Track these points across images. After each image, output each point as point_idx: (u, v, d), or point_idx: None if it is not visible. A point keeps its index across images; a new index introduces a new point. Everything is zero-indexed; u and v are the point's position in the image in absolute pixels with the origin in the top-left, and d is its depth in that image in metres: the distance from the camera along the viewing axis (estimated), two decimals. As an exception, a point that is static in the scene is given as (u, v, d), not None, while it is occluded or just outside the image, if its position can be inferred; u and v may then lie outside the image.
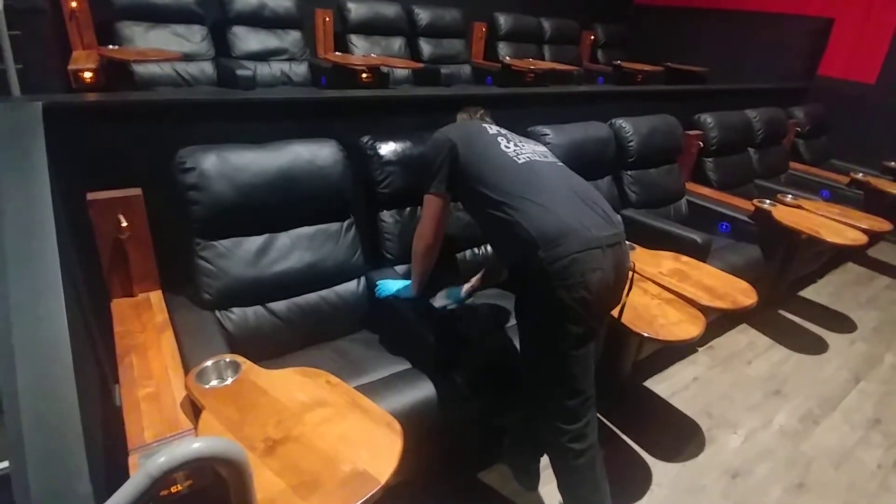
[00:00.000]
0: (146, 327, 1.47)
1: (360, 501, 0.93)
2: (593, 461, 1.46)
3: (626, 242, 1.43)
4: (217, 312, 1.62)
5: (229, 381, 1.21)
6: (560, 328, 1.34)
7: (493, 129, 1.60)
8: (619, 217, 1.45)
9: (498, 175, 1.44)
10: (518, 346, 1.75)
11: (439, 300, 1.85)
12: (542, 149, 1.62)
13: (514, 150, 1.50)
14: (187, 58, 3.45)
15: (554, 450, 1.49)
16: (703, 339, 2.24)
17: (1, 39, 2.56)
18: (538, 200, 1.36)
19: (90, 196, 1.46)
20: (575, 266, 1.28)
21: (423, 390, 1.56)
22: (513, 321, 1.85)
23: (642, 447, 2.05)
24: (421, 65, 4.08)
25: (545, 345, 1.40)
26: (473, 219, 1.60)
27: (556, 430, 1.44)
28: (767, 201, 2.83)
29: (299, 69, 3.96)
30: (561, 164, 1.57)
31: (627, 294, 1.50)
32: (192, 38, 3.57)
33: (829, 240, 2.51)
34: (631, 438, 2.09)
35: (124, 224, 1.49)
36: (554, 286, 1.29)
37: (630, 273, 1.48)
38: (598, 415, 2.11)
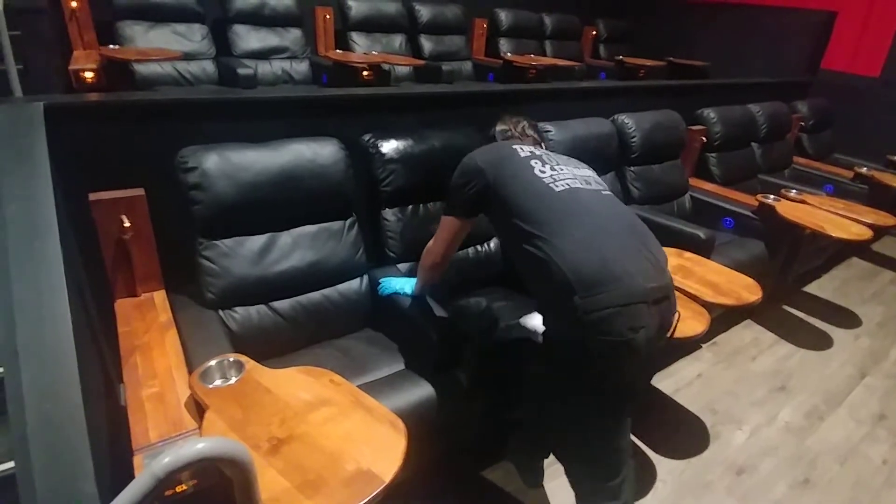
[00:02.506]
0: (150, 327, 1.48)
1: (365, 500, 0.93)
2: None
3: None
4: (220, 312, 1.62)
5: (233, 380, 1.21)
6: (595, 382, 1.23)
7: (525, 150, 1.43)
8: (666, 260, 1.28)
9: (530, 203, 1.28)
10: (516, 343, 1.75)
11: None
12: (587, 172, 1.45)
13: (551, 176, 1.33)
14: (188, 57, 3.45)
15: None
16: (708, 336, 2.24)
17: (1, 40, 2.56)
18: (577, 236, 1.20)
19: (93, 196, 1.45)
20: (616, 320, 1.13)
21: (427, 389, 1.56)
22: (515, 318, 1.84)
23: (647, 444, 2.05)
24: (422, 62, 4.07)
25: (581, 402, 1.27)
26: (506, 250, 1.48)
27: (591, 488, 1.34)
28: (771, 196, 2.82)
29: (300, 67, 3.96)
30: (608, 191, 1.40)
31: (670, 338, 1.33)
32: (193, 37, 3.57)
33: (833, 235, 2.50)
34: (635, 435, 2.08)
35: (127, 224, 1.49)
36: (589, 338, 1.15)
37: (674, 326, 1.30)
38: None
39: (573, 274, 1.15)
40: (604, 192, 1.38)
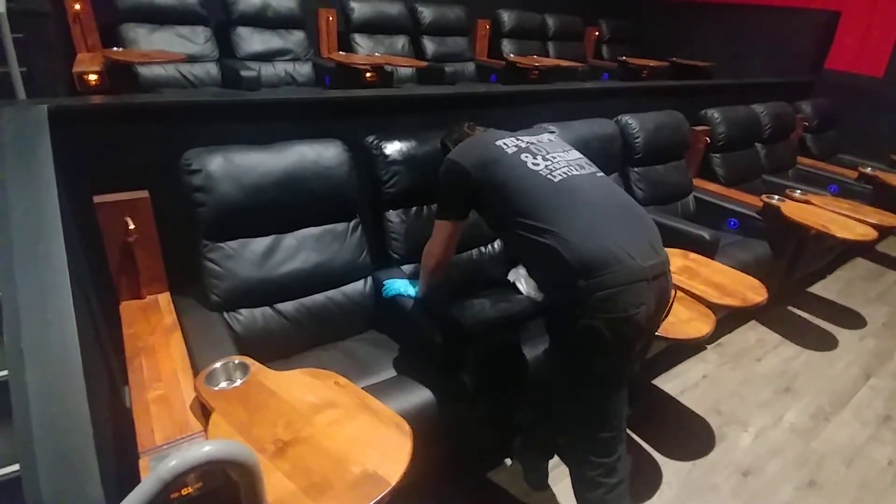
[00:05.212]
0: (155, 329, 1.48)
1: (371, 503, 0.93)
2: (622, 497, 1.38)
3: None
4: (225, 314, 1.62)
5: (238, 382, 1.21)
6: (599, 359, 1.27)
7: (510, 144, 1.43)
8: (660, 237, 1.33)
9: (531, 199, 1.31)
10: (521, 343, 1.75)
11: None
12: (576, 155, 1.48)
13: (546, 167, 1.36)
14: (191, 59, 3.46)
15: (585, 484, 1.40)
16: (712, 337, 2.23)
17: (5, 43, 2.57)
18: (578, 225, 1.25)
19: (97, 199, 1.46)
20: (618, 299, 1.19)
21: (431, 390, 1.55)
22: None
23: (652, 446, 2.04)
24: (425, 63, 4.08)
25: (583, 377, 1.32)
26: (502, 242, 1.52)
27: (588, 463, 1.36)
28: (776, 197, 2.81)
29: (303, 69, 3.96)
30: (601, 174, 1.45)
31: (665, 316, 1.40)
32: (196, 39, 3.58)
33: (838, 235, 2.49)
34: (640, 437, 2.08)
35: (132, 227, 1.49)
36: (594, 317, 1.20)
37: (671, 301, 1.37)
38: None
39: (577, 261, 1.21)
40: (598, 175, 1.44)
